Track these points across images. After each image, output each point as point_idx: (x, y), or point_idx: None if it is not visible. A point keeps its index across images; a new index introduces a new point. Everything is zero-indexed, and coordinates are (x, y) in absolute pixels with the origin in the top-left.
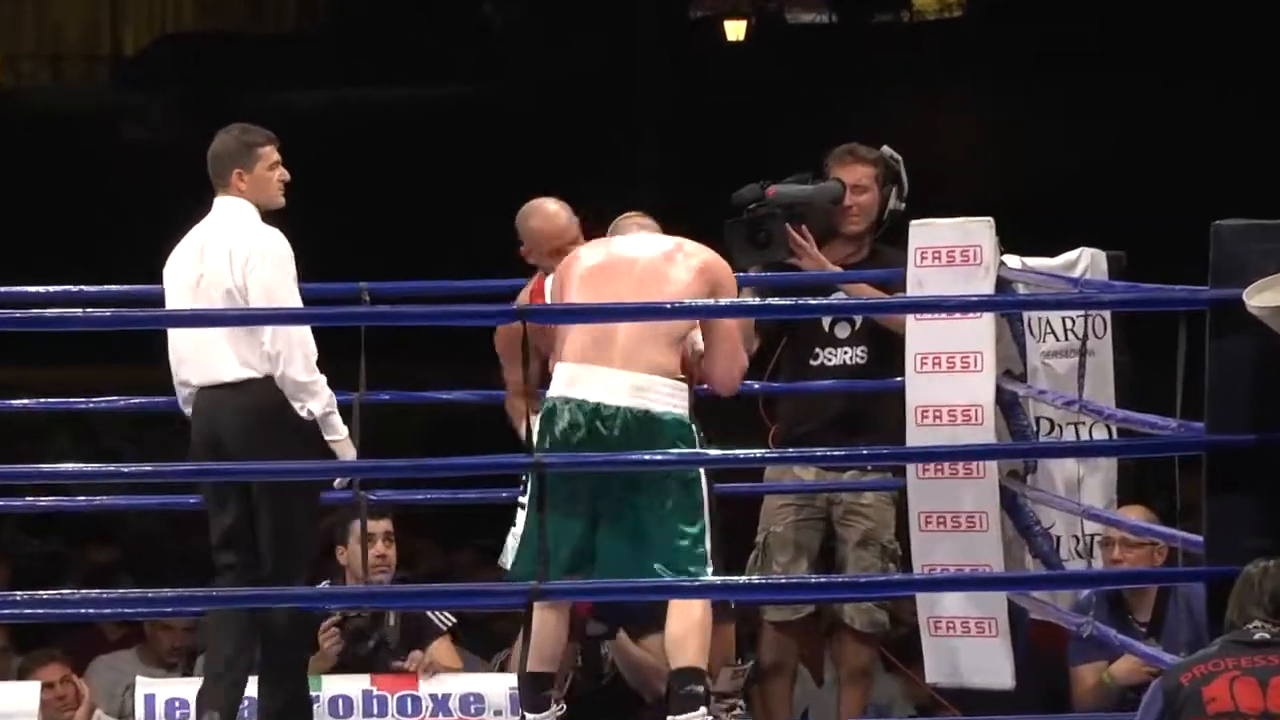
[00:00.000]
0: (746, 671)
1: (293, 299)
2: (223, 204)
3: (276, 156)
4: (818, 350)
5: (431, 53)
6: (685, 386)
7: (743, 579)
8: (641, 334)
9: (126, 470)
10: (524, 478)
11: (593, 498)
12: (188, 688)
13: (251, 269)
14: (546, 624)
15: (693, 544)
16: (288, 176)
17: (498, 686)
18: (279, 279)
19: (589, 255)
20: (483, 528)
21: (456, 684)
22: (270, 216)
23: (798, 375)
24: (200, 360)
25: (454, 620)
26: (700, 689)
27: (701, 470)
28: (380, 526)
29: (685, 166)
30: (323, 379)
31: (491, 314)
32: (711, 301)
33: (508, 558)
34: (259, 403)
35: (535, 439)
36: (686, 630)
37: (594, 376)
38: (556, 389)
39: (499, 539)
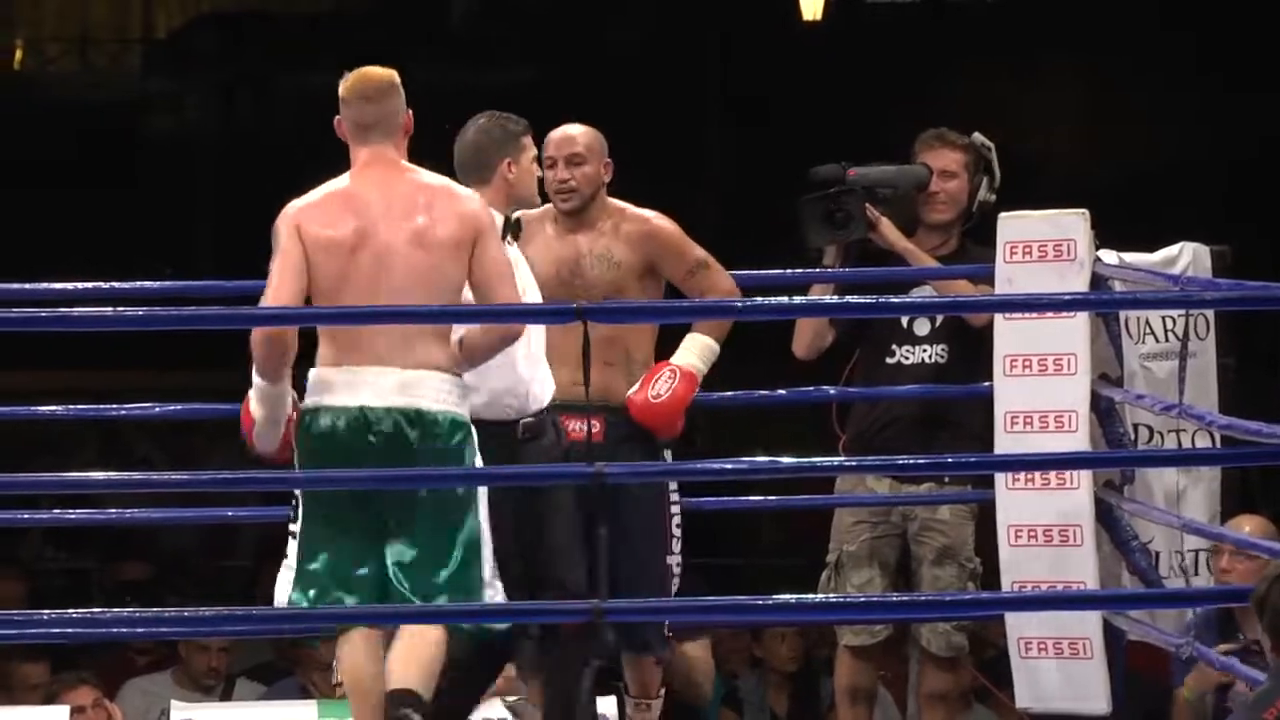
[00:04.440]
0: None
1: None
2: None
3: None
4: (894, 348)
5: (484, 32)
6: (463, 380)
7: (816, 598)
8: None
9: (159, 479)
10: (293, 500)
11: (373, 516)
12: (225, 713)
13: None
14: (355, 654)
15: (468, 565)
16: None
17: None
18: None
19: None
20: None
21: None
22: None
23: (872, 375)
24: None
25: None
26: (415, 714)
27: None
28: None
29: (758, 151)
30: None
31: (549, 313)
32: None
33: (283, 595)
34: None
35: (296, 451)
36: (413, 651)
37: (355, 379)
38: (314, 394)
39: None
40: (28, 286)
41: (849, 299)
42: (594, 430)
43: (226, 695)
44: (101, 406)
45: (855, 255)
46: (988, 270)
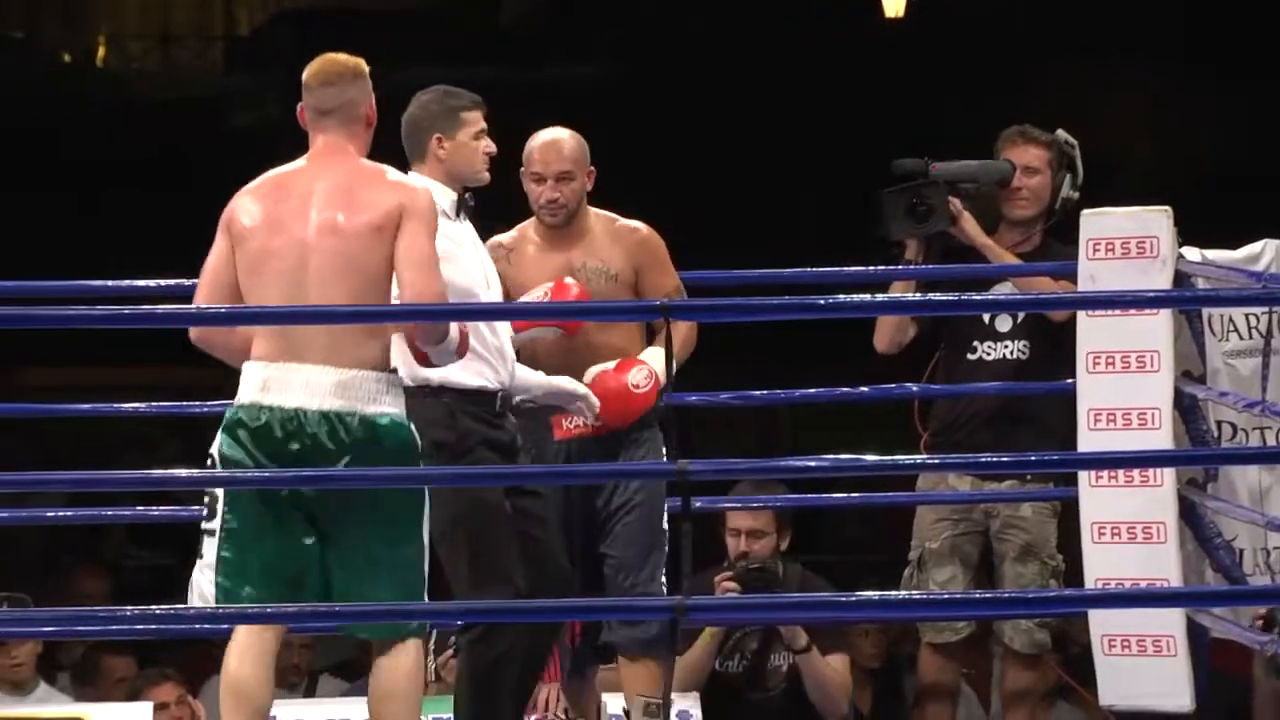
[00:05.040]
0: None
1: None
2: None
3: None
4: (975, 344)
5: (567, 30)
6: (400, 380)
7: (899, 595)
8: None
9: (243, 477)
10: (204, 500)
11: (310, 517)
12: (310, 709)
13: None
14: (244, 657)
15: (414, 569)
16: (494, 148)
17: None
18: None
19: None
20: None
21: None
22: None
23: (952, 371)
24: None
25: None
26: None
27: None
28: None
29: (840, 150)
30: None
31: (633, 309)
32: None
33: (198, 596)
34: None
35: (220, 454)
36: (394, 687)
37: (290, 378)
38: (247, 393)
39: None
40: (110, 284)
41: (930, 296)
42: (597, 425)
43: (310, 692)
44: (184, 404)
45: (937, 251)
46: (1070, 267)
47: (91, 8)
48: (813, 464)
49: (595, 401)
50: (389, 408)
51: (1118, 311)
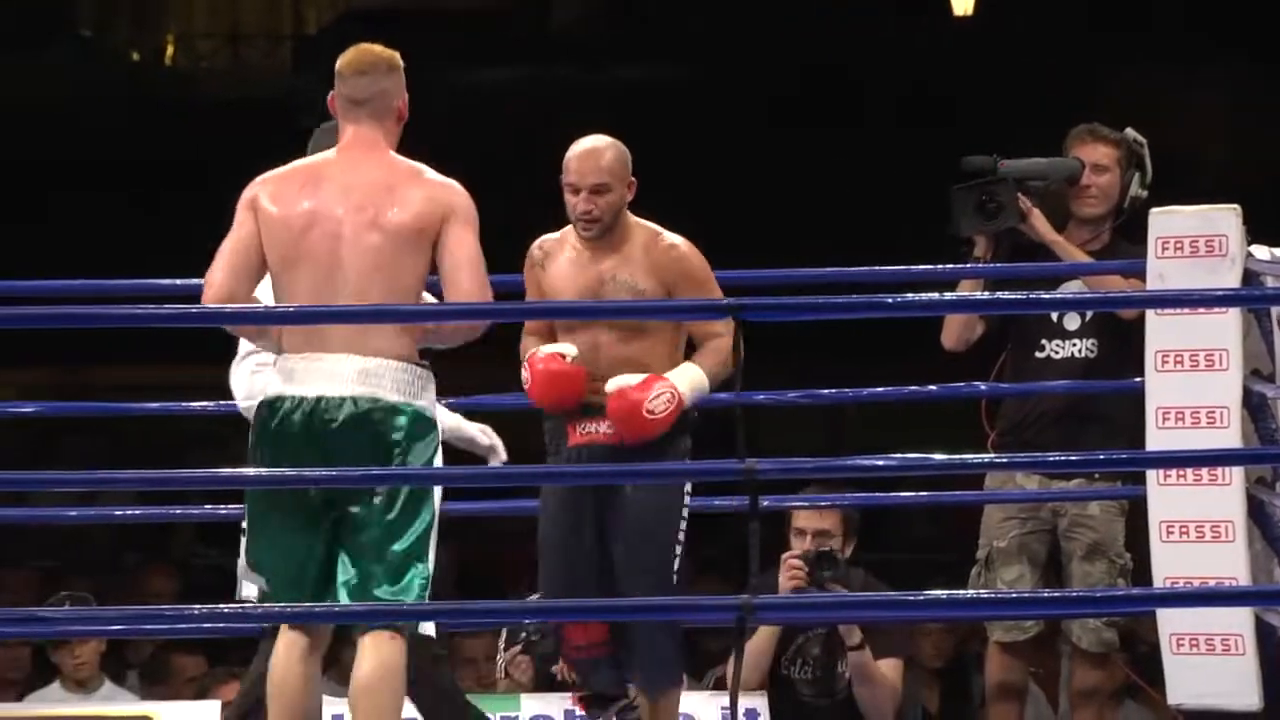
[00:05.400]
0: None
1: None
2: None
3: None
4: (1044, 342)
5: (633, 31)
6: (428, 374)
7: (967, 593)
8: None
9: (310, 475)
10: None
11: (323, 509)
12: None
13: None
14: (291, 659)
15: (420, 562)
16: None
17: (710, 707)
18: None
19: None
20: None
21: None
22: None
23: (1020, 370)
24: None
25: None
26: None
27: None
28: None
29: (909, 152)
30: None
31: (705, 308)
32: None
33: (250, 588)
34: None
35: (251, 446)
36: (379, 679)
37: (314, 367)
38: (274, 386)
39: (720, 549)
40: (178, 282)
41: (999, 295)
42: (610, 432)
43: None
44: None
45: (1006, 249)
46: (1139, 265)
47: (160, 7)
48: (880, 463)
49: (502, 455)
50: (411, 398)
51: (1186, 310)
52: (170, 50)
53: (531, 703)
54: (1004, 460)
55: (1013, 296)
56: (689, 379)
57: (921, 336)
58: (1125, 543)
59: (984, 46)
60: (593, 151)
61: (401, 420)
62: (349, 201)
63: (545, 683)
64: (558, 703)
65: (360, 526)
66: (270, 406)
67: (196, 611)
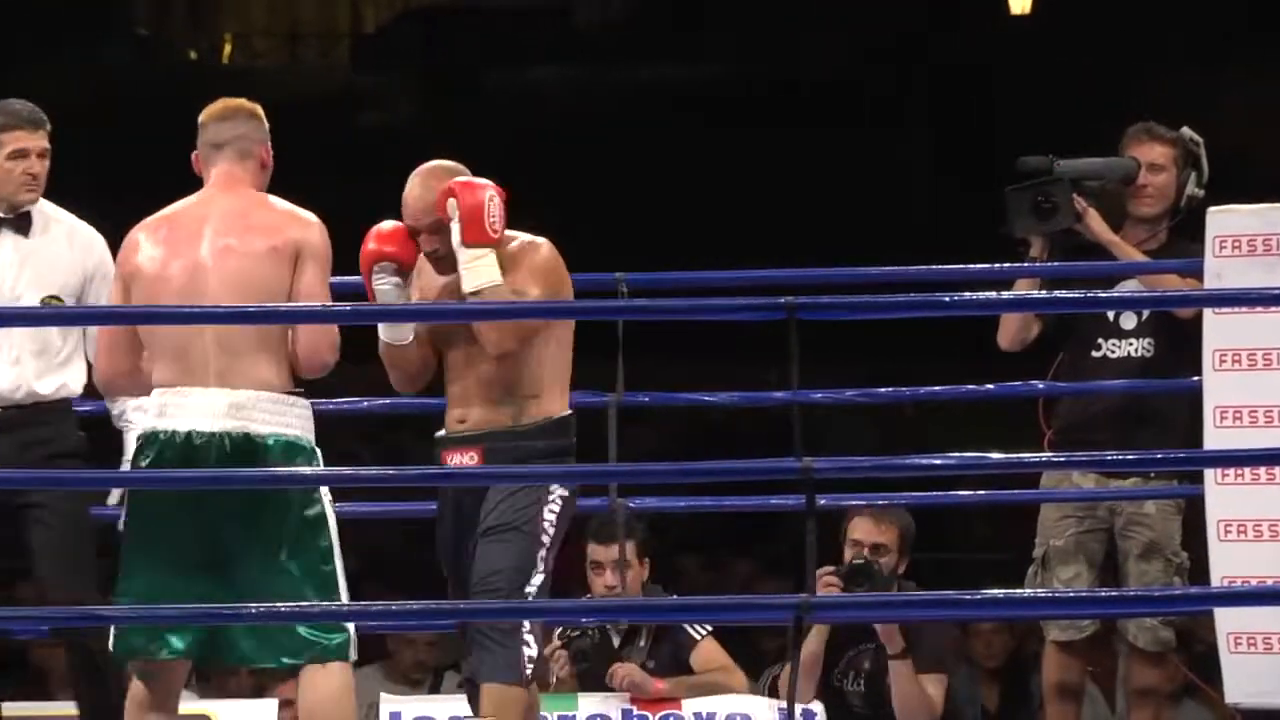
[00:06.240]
0: None
1: None
2: None
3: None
4: (1100, 341)
5: (693, 29)
6: (303, 400)
7: (1024, 593)
8: (234, 340)
9: (366, 474)
10: (120, 528)
11: (206, 546)
12: (435, 706)
13: None
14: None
15: (325, 594)
16: (36, 169)
17: (765, 708)
18: None
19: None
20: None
21: (723, 704)
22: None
23: (1077, 369)
24: None
25: (709, 629)
26: None
27: (327, 504)
28: (608, 554)
29: (965, 152)
30: None
31: (759, 307)
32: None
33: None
34: None
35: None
36: (320, 705)
37: (185, 400)
38: (146, 421)
39: (777, 548)
40: None
41: (1056, 294)
42: (472, 460)
43: (434, 688)
44: (315, 400)
45: (1062, 249)
46: (1196, 265)
47: (218, 6)
48: (938, 462)
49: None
50: (284, 429)
51: (1244, 309)
52: (228, 49)
53: (588, 702)
54: (1061, 459)
55: (1069, 295)
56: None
57: (978, 335)
58: (1182, 541)
59: (1040, 43)
60: (409, 195)
61: (274, 452)
62: (206, 231)
63: (588, 681)
64: (615, 702)
65: (254, 572)
66: (144, 442)
67: (254, 610)
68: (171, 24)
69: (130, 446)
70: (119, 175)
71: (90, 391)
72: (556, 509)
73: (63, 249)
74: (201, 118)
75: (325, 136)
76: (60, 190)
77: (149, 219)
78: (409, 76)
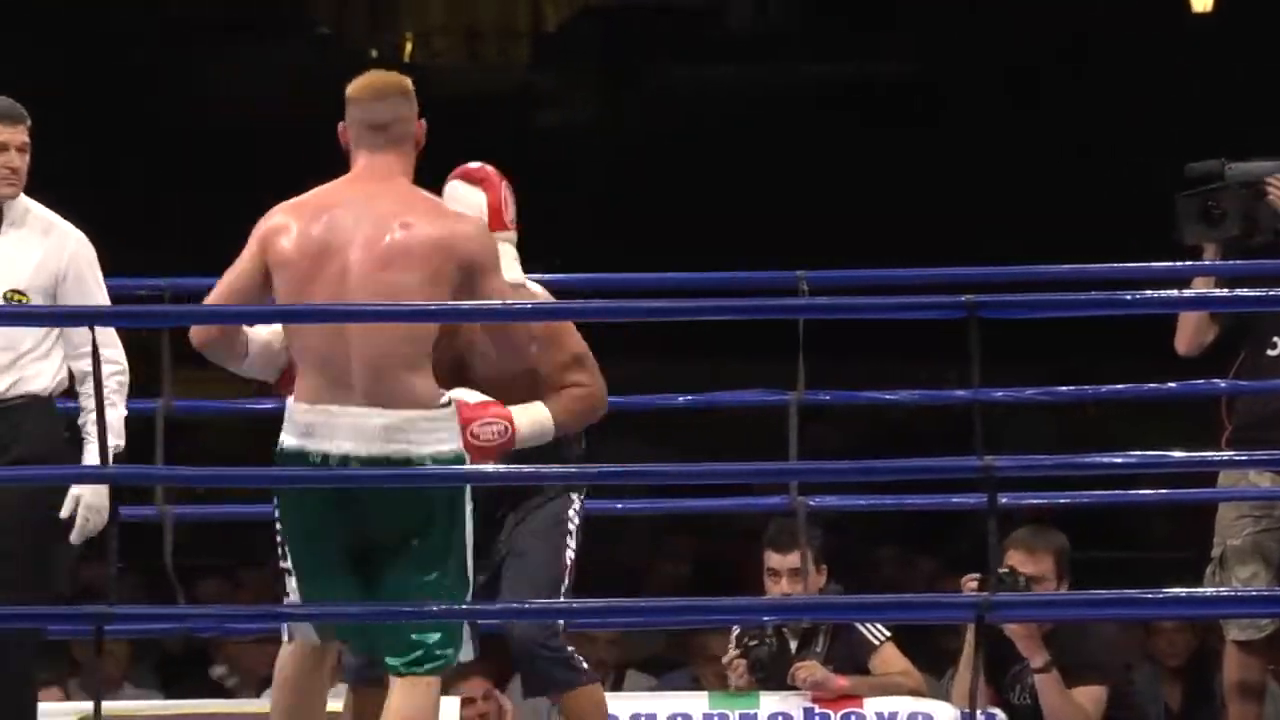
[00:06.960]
0: None
1: None
2: None
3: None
4: (1276, 340)
5: (861, 28)
6: (452, 412)
7: (1205, 592)
8: (380, 355)
9: (462, 472)
10: (278, 540)
11: (355, 561)
12: (616, 703)
13: None
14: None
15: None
16: (16, 163)
17: (948, 710)
18: None
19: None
20: (946, 535)
21: (904, 704)
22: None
23: (1254, 368)
24: None
25: (888, 634)
26: None
27: (468, 513)
28: (785, 562)
29: (1142, 159)
30: None
31: (940, 306)
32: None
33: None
34: None
35: (277, 498)
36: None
37: (336, 420)
38: (290, 437)
39: (957, 547)
40: None
41: (1235, 292)
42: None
43: (617, 686)
44: None
45: (1235, 255)
46: None
47: (398, 4)
48: (1119, 460)
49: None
50: (438, 446)
51: None
52: (408, 48)
53: (770, 700)
54: (1242, 458)
55: (1248, 294)
56: (531, 418)
57: (1162, 333)
58: None
59: (1223, 43)
60: None
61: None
62: (359, 238)
63: (766, 686)
64: (796, 700)
65: (394, 579)
66: (292, 458)
67: (435, 608)
68: (352, 22)
69: (89, 458)
70: (301, 173)
71: (68, 392)
72: (576, 523)
73: (33, 246)
74: (352, 92)
75: (503, 134)
76: (243, 189)
77: (301, 201)
78: (586, 74)
